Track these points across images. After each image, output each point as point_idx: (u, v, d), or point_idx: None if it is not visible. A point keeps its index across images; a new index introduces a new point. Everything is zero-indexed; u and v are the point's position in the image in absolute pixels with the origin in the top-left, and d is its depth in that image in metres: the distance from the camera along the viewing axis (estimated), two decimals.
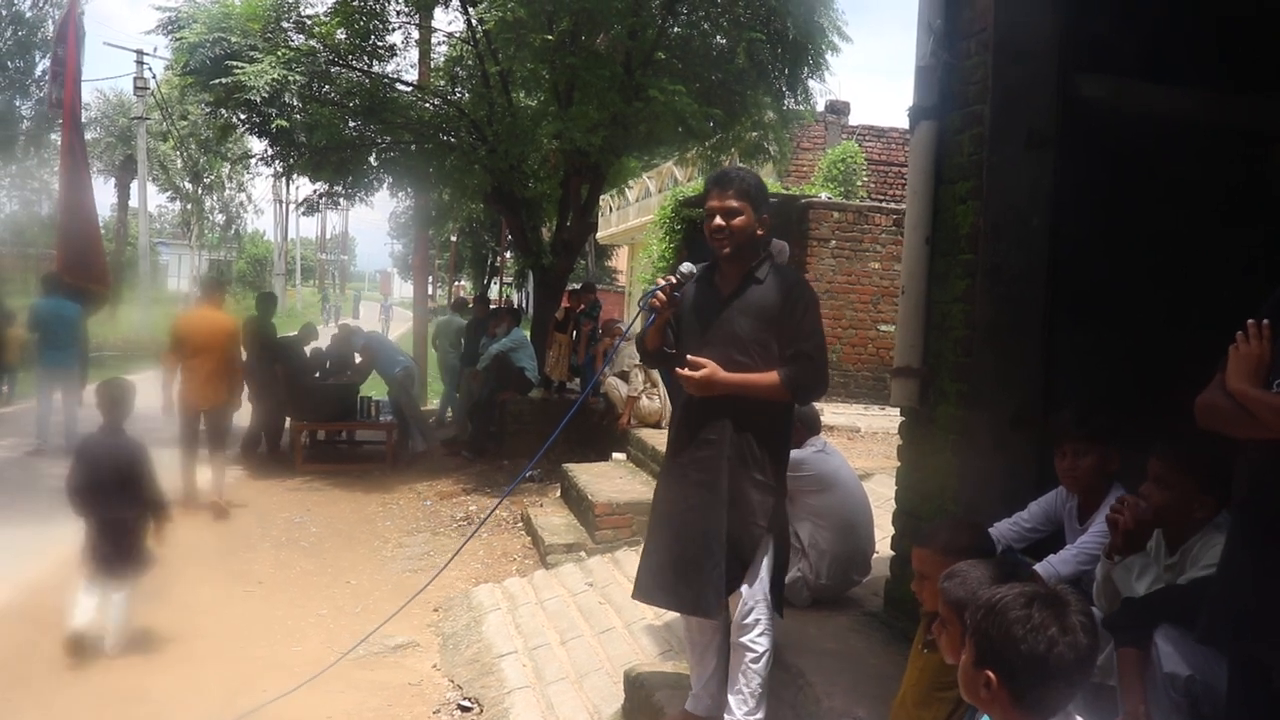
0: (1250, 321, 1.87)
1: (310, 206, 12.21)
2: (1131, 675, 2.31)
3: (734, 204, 3.11)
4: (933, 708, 2.59)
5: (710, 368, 3.06)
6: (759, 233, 3.14)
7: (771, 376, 3.04)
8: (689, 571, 3.10)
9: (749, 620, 3.09)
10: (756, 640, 3.09)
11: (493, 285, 32.64)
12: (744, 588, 3.09)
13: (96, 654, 4.62)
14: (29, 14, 27.13)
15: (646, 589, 3.25)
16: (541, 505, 7.83)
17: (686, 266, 3.27)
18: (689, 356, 3.11)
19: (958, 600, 2.10)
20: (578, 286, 13.74)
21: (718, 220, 3.11)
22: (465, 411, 11.08)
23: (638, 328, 3.62)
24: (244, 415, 10.58)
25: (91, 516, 4.70)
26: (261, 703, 4.20)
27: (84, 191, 11.83)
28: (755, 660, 3.09)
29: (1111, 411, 3.07)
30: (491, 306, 13.26)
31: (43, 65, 27.94)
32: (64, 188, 11.45)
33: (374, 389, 11.39)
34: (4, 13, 26.38)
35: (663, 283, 3.23)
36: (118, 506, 4.68)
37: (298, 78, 9.24)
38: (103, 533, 4.67)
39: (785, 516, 3.30)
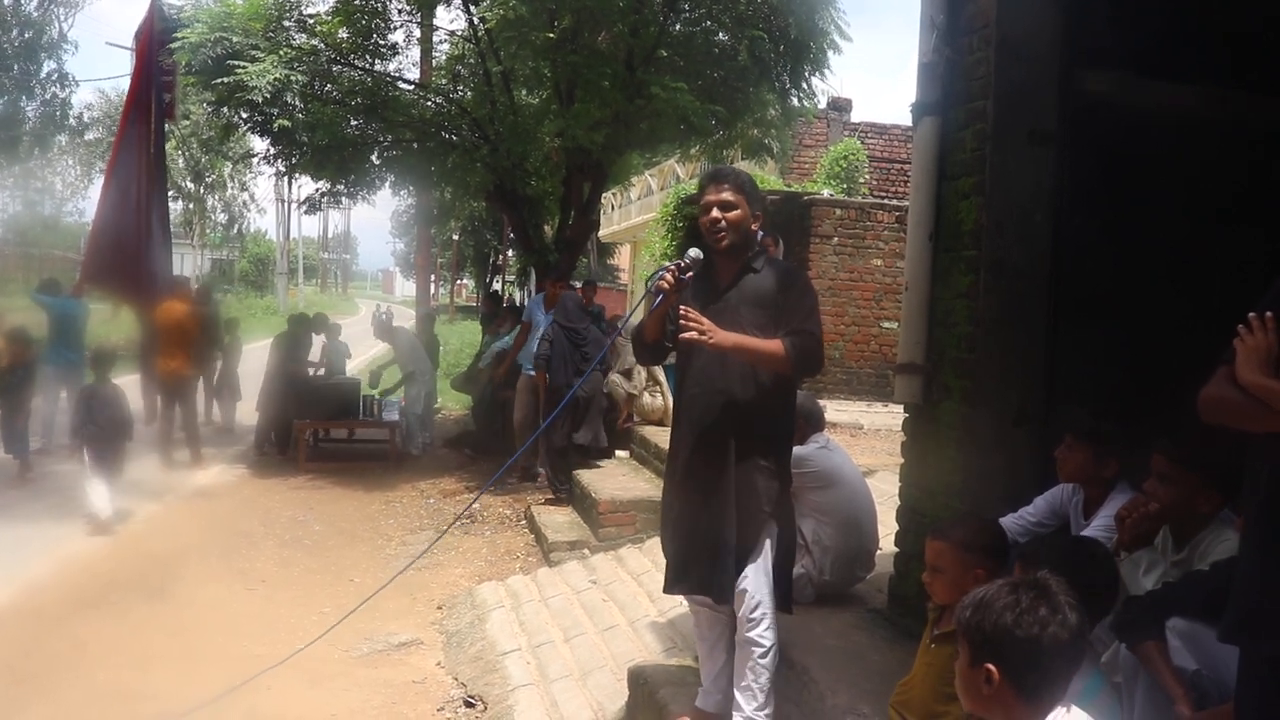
0: (1253, 314, 1.85)
1: (312, 205, 12.21)
2: (1160, 663, 2.29)
3: (730, 197, 3.15)
4: (948, 702, 2.57)
5: (711, 326, 3.00)
6: (753, 227, 3.21)
7: (775, 343, 3.05)
8: (705, 560, 3.13)
9: (755, 615, 3.09)
10: (763, 635, 3.09)
11: (495, 283, 32.63)
12: (748, 582, 3.08)
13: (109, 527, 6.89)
14: (35, 15, 27.16)
15: (671, 582, 3.30)
16: (545, 503, 7.83)
17: (694, 252, 3.24)
18: (686, 314, 3.01)
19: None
20: (579, 285, 13.72)
21: (715, 213, 3.16)
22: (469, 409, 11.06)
23: (640, 314, 3.59)
24: (250, 415, 10.67)
25: (97, 438, 7.05)
26: (218, 693, 4.20)
27: (165, 206, 10.97)
28: (762, 655, 3.09)
29: (1118, 421, 3.05)
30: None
31: (49, 66, 28.04)
32: (143, 198, 10.44)
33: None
34: (9, 16, 26.39)
35: (671, 265, 3.22)
36: (116, 432, 7.21)
37: (299, 77, 9.24)
38: (112, 446, 7.11)
39: (790, 506, 3.32)
